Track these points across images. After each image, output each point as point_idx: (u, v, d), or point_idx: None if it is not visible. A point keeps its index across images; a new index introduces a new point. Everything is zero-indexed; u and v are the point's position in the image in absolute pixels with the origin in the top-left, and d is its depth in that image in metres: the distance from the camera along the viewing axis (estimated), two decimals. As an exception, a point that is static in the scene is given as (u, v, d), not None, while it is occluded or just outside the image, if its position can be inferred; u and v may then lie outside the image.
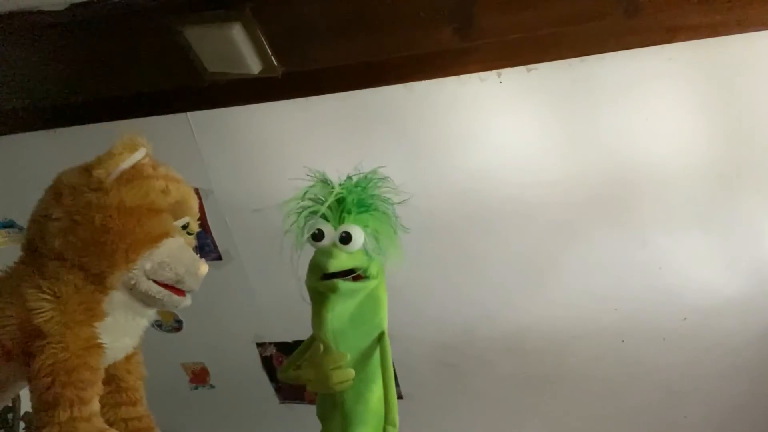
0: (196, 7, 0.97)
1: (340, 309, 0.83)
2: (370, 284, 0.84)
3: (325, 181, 0.86)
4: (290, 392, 1.70)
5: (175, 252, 0.74)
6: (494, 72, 1.07)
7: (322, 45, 1.03)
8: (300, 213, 0.85)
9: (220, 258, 1.41)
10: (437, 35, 0.99)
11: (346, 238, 0.79)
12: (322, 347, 0.85)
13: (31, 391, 0.68)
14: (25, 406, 1.49)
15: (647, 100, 1.08)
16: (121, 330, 0.76)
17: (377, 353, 0.84)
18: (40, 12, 1.01)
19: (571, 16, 0.95)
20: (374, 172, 0.85)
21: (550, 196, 1.21)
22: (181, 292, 0.76)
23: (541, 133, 1.13)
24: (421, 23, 0.97)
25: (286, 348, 1.58)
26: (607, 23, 0.96)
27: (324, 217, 0.83)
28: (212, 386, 1.72)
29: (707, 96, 1.06)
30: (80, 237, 0.69)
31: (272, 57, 1.04)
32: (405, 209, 1.19)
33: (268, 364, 1.63)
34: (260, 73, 1.05)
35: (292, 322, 1.53)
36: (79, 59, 1.10)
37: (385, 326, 0.84)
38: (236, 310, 1.51)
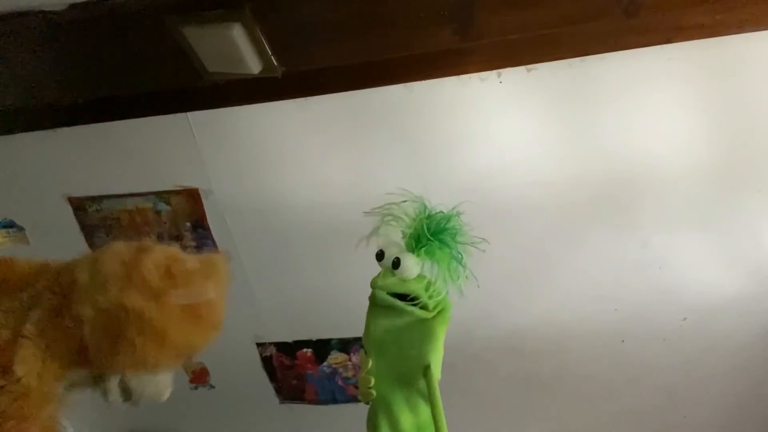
0: (195, 7, 0.97)
1: (385, 322, 0.86)
2: (418, 312, 0.85)
3: (420, 205, 0.88)
4: (290, 392, 1.70)
5: (155, 383, 0.74)
6: (494, 72, 1.07)
7: (322, 45, 1.03)
8: (384, 219, 0.89)
9: (220, 258, 1.41)
10: (437, 35, 0.99)
11: (395, 264, 0.83)
12: (362, 351, 0.88)
13: None
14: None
15: (647, 100, 1.08)
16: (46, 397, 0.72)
17: (422, 385, 0.83)
18: (40, 12, 1.01)
19: (571, 16, 0.95)
20: (456, 212, 0.88)
21: (549, 196, 1.21)
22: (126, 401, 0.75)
23: (541, 133, 1.13)
24: (421, 23, 0.97)
25: (286, 348, 1.58)
26: (607, 23, 0.96)
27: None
28: (212, 386, 1.72)
29: (707, 96, 1.06)
30: (105, 320, 0.66)
31: (272, 57, 1.04)
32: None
33: (268, 364, 1.63)
34: (260, 73, 1.05)
35: (292, 322, 1.53)
36: (79, 59, 1.10)
37: (433, 362, 0.83)
38: (236, 310, 1.50)
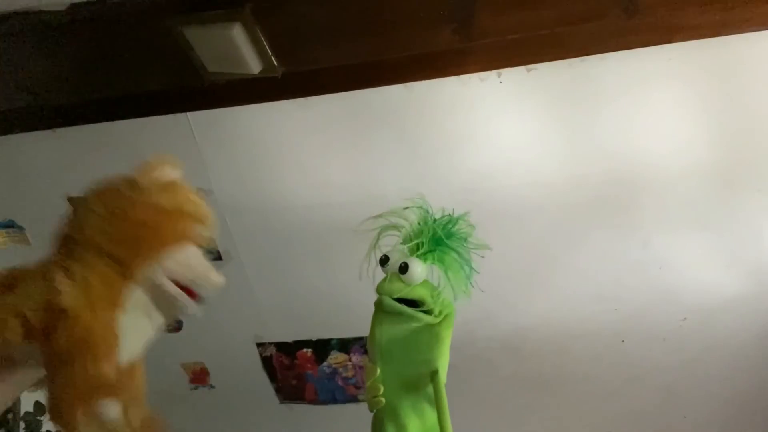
0: (196, 7, 0.97)
1: (390, 328, 0.85)
2: (425, 318, 0.84)
3: (423, 210, 0.88)
4: (290, 392, 1.70)
5: (196, 257, 0.78)
6: (494, 72, 1.07)
7: (322, 45, 1.03)
8: (381, 231, 0.88)
9: (220, 258, 1.41)
10: (437, 35, 0.99)
11: (403, 269, 0.82)
12: (368, 358, 0.87)
13: (50, 366, 0.69)
14: (26, 406, 1.49)
15: (647, 100, 1.08)
16: (130, 331, 0.77)
17: (429, 390, 0.83)
18: (40, 12, 1.01)
19: (571, 16, 0.95)
20: (463, 216, 0.88)
21: (549, 196, 1.21)
22: (194, 296, 0.78)
23: (541, 133, 1.13)
24: (421, 23, 0.97)
25: (286, 348, 1.58)
26: (607, 23, 0.96)
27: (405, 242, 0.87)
28: (212, 386, 1.72)
29: (707, 96, 1.06)
30: (115, 227, 0.74)
31: (272, 57, 1.04)
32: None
33: (268, 364, 1.63)
34: (260, 73, 1.05)
35: (292, 322, 1.54)
36: (79, 59, 1.10)
37: (440, 366, 0.82)
38: (236, 310, 1.51)
